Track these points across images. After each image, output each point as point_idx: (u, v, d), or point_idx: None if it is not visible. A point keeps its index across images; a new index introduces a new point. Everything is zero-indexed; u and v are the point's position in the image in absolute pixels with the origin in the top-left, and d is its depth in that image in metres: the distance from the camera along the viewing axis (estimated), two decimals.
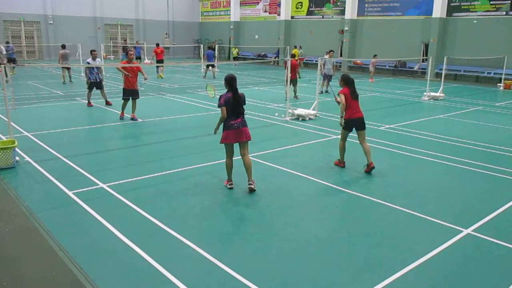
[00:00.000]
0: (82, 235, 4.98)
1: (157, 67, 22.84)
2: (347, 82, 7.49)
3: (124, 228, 5.10)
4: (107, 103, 13.74)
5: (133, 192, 6.32)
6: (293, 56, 17.50)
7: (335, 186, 6.79)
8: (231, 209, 5.91)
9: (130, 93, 11.33)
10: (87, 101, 13.64)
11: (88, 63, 13.28)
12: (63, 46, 18.96)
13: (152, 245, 4.75)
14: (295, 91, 16.28)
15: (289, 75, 12.21)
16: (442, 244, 4.90)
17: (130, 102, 11.46)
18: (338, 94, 7.48)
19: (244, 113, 6.45)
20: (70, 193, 6.17)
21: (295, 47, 30.38)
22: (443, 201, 6.34)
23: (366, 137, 7.62)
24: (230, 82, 6.30)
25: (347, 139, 7.75)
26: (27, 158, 7.76)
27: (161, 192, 6.40)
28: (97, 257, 4.51)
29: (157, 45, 23.71)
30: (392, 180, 7.20)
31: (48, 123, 11.17)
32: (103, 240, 4.87)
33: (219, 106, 6.35)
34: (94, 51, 13.63)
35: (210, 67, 23.07)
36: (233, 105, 6.26)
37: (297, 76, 15.99)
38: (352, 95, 7.42)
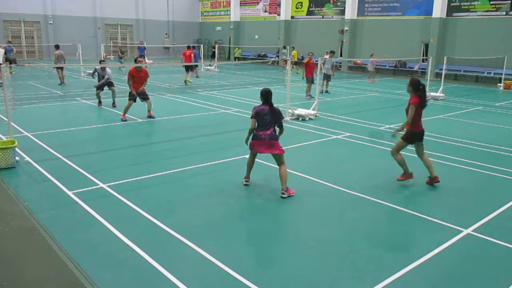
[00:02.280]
0: (82, 235, 4.98)
1: (186, 71, 20.59)
2: (416, 89, 6.68)
3: (124, 228, 5.10)
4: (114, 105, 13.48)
5: (133, 192, 6.32)
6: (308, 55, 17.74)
7: (335, 186, 6.79)
8: (231, 210, 5.91)
9: (138, 95, 11.38)
10: (97, 101, 13.54)
11: (98, 73, 13.28)
12: (57, 47, 19.06)
13: (152, 245, 4.75)
14: (308, 90, 16.70)
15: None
16: (442, 244, 4.90)
17: (133, 105, 11.49)
18: (408, 104, 6.68)
19: (279, 126, 6.43)
20: (70, 193, 6.17)
21: (293, 48, 30.38)
22: (443, 201, 6.34)
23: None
24: (266, 96, 6.36)
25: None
26: (27, 158, 7.76)
27: (161, 192, 6.40)
28: (97, 257, 4.51)
29: (188, 47, 21.89)
30: (392, 180, 7.19)
31: (48, 123, 11.17)
32: (103, 240, 4.87)
33: (251, 117, 6.39)
34: (104, 61, 13.97)
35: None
36: (265, 117, 6.28)
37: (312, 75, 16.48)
38: (422, 106, 6.71)
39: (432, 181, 6.89)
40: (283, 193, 6.29)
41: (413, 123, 6.74)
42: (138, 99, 11.49)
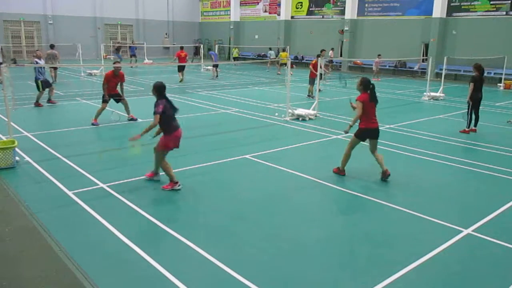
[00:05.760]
0: (82, 235, 4.98)
1: (180, 71, 20.86)
2: (366, 87, 6.91)
3: (124, 228, 5.10)
4: (51, 101, 13.78)
5: (133, 192, 6.32)
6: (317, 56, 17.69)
7: (335, 186, 6.79)
8: (232, 210, 5.91)
9: (112, 96, 11.08)
10: (36, 101, 13.41)
11: (37, 62, 13.40)
12: (51, 46, 19.23)
13: (152, 245, 4.75)
14: (311, 90, 16.69)
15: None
16: (442, 244, 4.90)
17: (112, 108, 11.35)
18: (355, 101, 6.92)
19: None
20: (70, 193, 6.17)
21: (283, 50, 30.36)
22: (443, 201, 6.34)
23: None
24: (160, 90, 6.32)
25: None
26: (27, 158, 7.76)
27: (161, 192, 6.39)
28: (97, 257, 4.51)
29: (181, 48, 21.76)
30: (392, 180, 7.19)
31: (48, 123, 11.17)
32: (103, 240, 4.87)
33: (156, 113, 6.24)
34: (38, 50, 13.97)
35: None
36: (172, 109, 6.34)
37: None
38: (370, 102, 6.88)
39: (384, 175, 7.00)
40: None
41: (365, 120, 6.88)
42: (112, 100, 11.24)
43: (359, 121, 6.97)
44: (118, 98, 11.26)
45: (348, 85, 8.16)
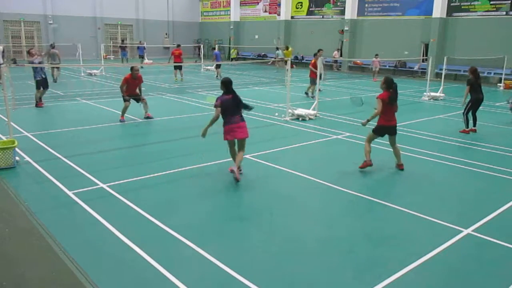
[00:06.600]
0: (82, 235, 4.98)
1: (175, 69, 20.99)
2: (389, 86, 7.29)
3: (124, 228, 5.10)
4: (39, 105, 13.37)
5: (133, 192, 6.32)
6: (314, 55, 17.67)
7: (335, 186, 6.79)
8: (232, 210, 5.91)
9: (131, 96, 11.43)
10: (36, 102, 13.30)
11: (34, 62, 13.24)
12: (51, 46, 19.40)
13: (152, 245, 4.75)
14: (311, 90, 16.68)
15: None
16: (442, 244, 4.90)
17: (130, 106, 11.45)
18: (376, 98, 7.35)
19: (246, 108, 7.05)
20: (70, 193, 6.17)
21: (287, 48, 30.33)
22: (443, 201, 6.34)
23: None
24: (227, 85, 6.80)
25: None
26: (27, 158, 7.76)
27: (161, 192, 6.40)
28: (97, 257, 4.51)
29: (178, 46, 21.67)
30: (392, 180, 7.20)
31: (48, 123, 11.16)
32: (103, 240, 4.87)
33: (215, 107, 6.80)
34: (32, 49, 13.91)
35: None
36: (231, 106, 6.78)
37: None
38: (390, 101, 7.27)
39: (398, 167, 7.61)
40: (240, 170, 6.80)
41: (384, 117, 7.35)
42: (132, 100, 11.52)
43: (378, 117, 7.39)
44: (138, 98, 11.62)
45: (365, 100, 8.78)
